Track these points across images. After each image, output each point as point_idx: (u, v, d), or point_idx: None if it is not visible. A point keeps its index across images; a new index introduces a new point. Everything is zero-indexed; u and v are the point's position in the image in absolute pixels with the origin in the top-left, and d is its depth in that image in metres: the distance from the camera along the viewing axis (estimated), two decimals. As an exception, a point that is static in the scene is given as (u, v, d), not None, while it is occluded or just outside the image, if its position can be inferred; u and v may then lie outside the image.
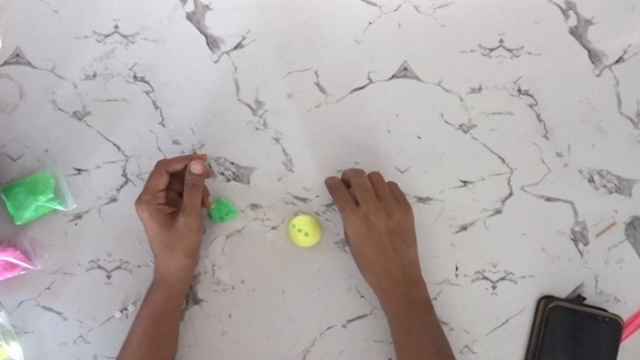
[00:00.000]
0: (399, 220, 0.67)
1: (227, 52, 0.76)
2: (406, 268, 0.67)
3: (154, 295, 0.68)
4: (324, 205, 0.75)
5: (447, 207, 0.75)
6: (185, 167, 0.68)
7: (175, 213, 0.68)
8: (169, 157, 0.75)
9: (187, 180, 0.67)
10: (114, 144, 0.75)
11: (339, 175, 0.73)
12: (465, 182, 0.75)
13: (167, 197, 0.68)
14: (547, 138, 0.76)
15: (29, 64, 0.76)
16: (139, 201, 0.66)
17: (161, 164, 0.68)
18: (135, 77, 0.76)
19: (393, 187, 0.70)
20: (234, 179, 0.75)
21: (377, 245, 0.66)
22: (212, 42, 0.76)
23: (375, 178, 0.69)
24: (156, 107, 0.76)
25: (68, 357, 0.73)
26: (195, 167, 0.67)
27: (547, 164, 0.76)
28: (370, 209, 0.66)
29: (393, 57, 0.76)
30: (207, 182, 0.75)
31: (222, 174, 0.75)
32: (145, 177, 0.74)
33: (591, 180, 0.75)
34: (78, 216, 0.75)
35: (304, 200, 0.75)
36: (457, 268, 0.75)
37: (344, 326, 0.73)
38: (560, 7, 0.77)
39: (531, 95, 0.76)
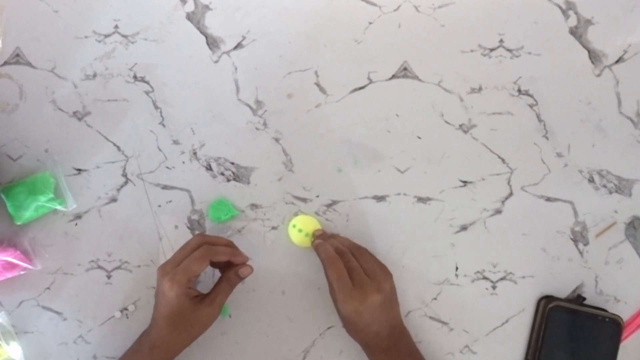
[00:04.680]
0: (386, 291, 0.67)
1: (227, 52, 0.76)
2: (392, 324, 0.68)
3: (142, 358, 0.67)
4: (324, 205, 0.75)
5: (447, 207, 0.75)
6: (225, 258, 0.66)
7: (199, 299, 0.66)
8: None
9: (230, 279, 0.67)
10: (114, 144, 0.75)
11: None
12: (465, 182, 0.75)
13: None
14: (547, 138, 0.76)
15: (29, 64, 0.76)
16: (172, 280, 0.63)
17: (209, 253, 0.65)
18: (135, 77, 0.76)
19: (370, 255, 0.71)
20: (234, 179, 0.75)
21: (370, 316, 0.66)
22: (212, 42, 0.76)
23: (357, 251, 0.69)
24: (156, 107, 0.76)
25: (68, 357, 0.73)
26: (245, 272, 0.67)
27: (547, 164, 0.76)
28: (365, 291, 0.65)
29: (393, 57, 0.76)
30: (208, 182, 0.75)
31: (222, 174, 0.75)
32: (146, 177, 0.75)
33: (591, 180, 0.75)
34: (78, 216, 0.75)
35: (304, 200, 0.75)
36: (457, 268, 0.75)
37: (344, 326, 0.73)
38: (560, 7, 0.77)
39: (531, 95, 0.76)
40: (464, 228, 0.75)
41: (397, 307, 0.70)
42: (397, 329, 0.69)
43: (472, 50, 0.76)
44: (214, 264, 0.69)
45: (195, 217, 0.75)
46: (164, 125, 0.76)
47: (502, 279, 0.75)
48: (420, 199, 0.75)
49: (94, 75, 0.76)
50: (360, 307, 0.65)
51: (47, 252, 0.74)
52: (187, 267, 0.64)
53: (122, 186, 0.75)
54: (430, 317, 0.74)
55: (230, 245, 0.68)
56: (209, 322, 0.67)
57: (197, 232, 0.75)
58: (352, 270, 0.66)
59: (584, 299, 0.73)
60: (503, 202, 0.75)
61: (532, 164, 0.76)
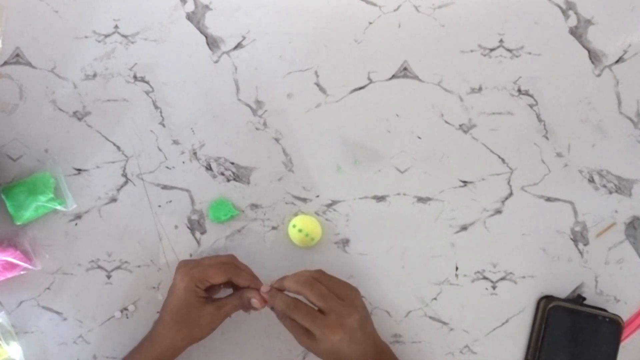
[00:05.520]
0: (359, 306, 0.65)
1: (227, 52, 0.76)
2: (374, 340, 0.66)
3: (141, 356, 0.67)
4: (324, 205, 0.75)
5: (447, 207, 0.75)
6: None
7: (207, 301, 0.66)
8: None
9: (243, 298, 0.67)
10: (114, 144, 0.75)
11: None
12: (465, 182, 0.75)
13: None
14: (547, 138, 0.76)
15: (29, 64, 0.76)
16: (186, 273, 0.65)
17: (232, 270, 0.66)
18: (135, 77, 0.76)
19: (331, 276, 0.68)
20: (234, 179, 0.75)
21: (353, 342, 0.64)
22: (212, 42, 0.76)
23: (320, 276, 0.66)
24: (156, 107, 0.76)
25: (68, 357, 0.73)
26: (256, 304, 0.66)
27: (547, 164, 0.76)
28: (342, 315, 0.63)
29: (393, 57, 0.76)
30: (208, 182, 0.75)
31: (222, 174, 0.75)
32: (146, 177, 0.75)
33: (591, 180, 0.75)
34: (78, 216, 0.75)
35: (304, 200, 0.75)
36: (457, 268, 0.75)
37: None
38: (560, 7, 0.77)
39: (531, 95, 0.76)
40: (464, 228, 0.75)
41: (371, 321, 0.68)
42: (380, 346, 0.67)
43: (472, 50, 0.76)
44: (233, 286, 0.69)
45: (195, 217, 0.75)
46: (164, 125, 0.76)
47: (502, 279, 0.75)
48: (420, 199, 0.75)
49: (94, 75, 0.76)
50: (344, 335, 0.63)
51: (47, 252, 0.74)
52: (206, 269, 0.65)
53: (122, 186, 0.75)
54: (430, 317, 0.74)
55: (254, 277, 0.68)
56: (211, 326, 0.67)
57: (197, 232, 0.75)
58: (322, 296, 0.64)
59: (584, 299, 0.73)
60: (503, 202, 0.75)
61: (532, 164, 0.76)
